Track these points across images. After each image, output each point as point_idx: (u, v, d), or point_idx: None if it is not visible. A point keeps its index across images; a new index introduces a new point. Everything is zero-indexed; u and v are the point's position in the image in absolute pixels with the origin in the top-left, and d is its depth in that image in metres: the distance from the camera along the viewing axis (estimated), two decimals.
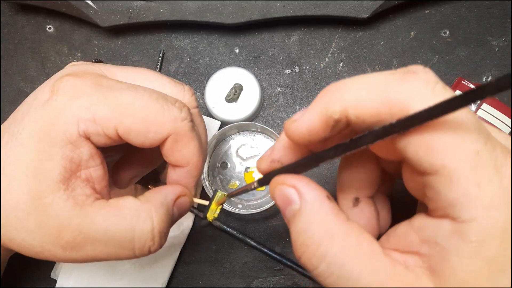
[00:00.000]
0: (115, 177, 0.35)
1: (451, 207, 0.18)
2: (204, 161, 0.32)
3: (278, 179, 0.23)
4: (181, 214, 0.31)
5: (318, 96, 0.21)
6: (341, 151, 0.20)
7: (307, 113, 0.21)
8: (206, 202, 0.33)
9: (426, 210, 0.21)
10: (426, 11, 0.49)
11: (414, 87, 0.18)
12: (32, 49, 0.50)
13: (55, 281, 0.44)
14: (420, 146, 0.18)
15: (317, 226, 0.20)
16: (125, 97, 0.28)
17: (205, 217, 0.33)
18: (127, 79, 0.31)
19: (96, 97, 0.27)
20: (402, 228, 0.21)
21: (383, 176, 0.26)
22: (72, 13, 0.47)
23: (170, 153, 0.30)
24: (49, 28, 0.50)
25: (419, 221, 0.20)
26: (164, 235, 0.28)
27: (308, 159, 0.22)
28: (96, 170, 0.29)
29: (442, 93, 0.18)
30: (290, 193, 0.22)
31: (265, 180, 0.26)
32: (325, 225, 0.20)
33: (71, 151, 0.27)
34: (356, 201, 0.26)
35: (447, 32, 0.48)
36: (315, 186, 0.22)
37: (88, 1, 0.45)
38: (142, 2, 0.45)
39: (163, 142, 0.29)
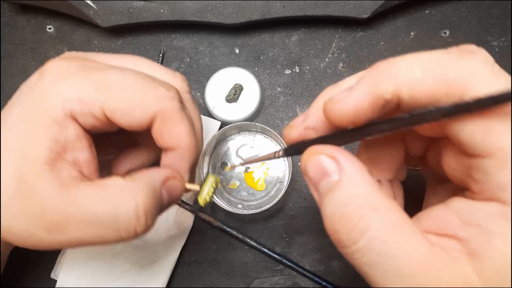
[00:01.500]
0: (113, 171, 0.35)
1: (501, 190, 0.17)
2: (198, 147, 0.31)
3: (314, 149, 0.21)
4: (172, 199, 0.29)
5: (367, 73, 0.20)
6: (397, 125, 0.19)
7: (354, 93, 0.20)
8: (198, 187, 0.32)
9: (463, 193, 0.20)
10: (426, 11, 0.49)
11: (473, 67, 0.18)
12: (32, 49, 0.50)
13: (55, 281, 0.44)
14: (477, 128, 0.17)
15: (360, 198, 0.19)
16: (111, 76, 0.28)
17: (196, 201, 0.31)
18: (117, 64, 0.31)
19: (82, 77, 0.27)
20: (438, 210, 0.21)
21: (404, 160, 0.26)
22: (72, 13, 0.47)
23: (159, 135, 0.29)
24: (49, 29, 0.50)
25: (459, 203, 0.19)
26: (151, 215, 0.27)
27: (354, 131, 0.20)
28: (83, 153, 0.28)
29: (501, 74, 0.18)
30: (328, 163, 0.20)
31: (297, 149, 0.23)
32: (368, 198, 0.19)
33: (57, 132, 0.27)
34: (378, 183, 0.24)
35: (447, 32, 0.48)
36: (355, 159, 0.21)
37: (88, 2, 0.45)
38: (142, 2, 0.45)
39: (152, 123, 0.28)
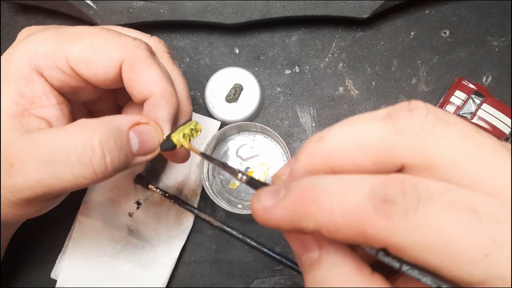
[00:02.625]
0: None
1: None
2: (175, 96, 0.29)
3: None
4: (146, 146, 0.28)
5: (293, 196, 0.18)
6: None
7: (278, 210, 0.18)
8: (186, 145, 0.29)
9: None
10: (426, 11, 0.49)
11: (391, 223, 0.16)
12: None
13: (55, 281, 0.44)
14: None
15: (338, 280, 0.18)
16: (76, 29, 0.28)
17: (169, 137, 0.29)
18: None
19: (48, 33, 0.28)
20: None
21: None
22: (72, 13, 0.47)
23: (130, 85, 0.28)
24: None
25: None
26: (109, 150, 0.25)
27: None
28: (51, 110, 0.28)
29: (424, 217, 0.16)
30: (308, 240, 0.20)
31: (260, 186, 0.22)
32: (347, 279, 0.18)
33: (24, 86, 0.27)
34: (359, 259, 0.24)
35: (447, 32, 0.48)
36: None
37: (88, 2, 0.45)
38: (142, 2, 0.45)
39: (120, 73, 0.28)
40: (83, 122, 0.26)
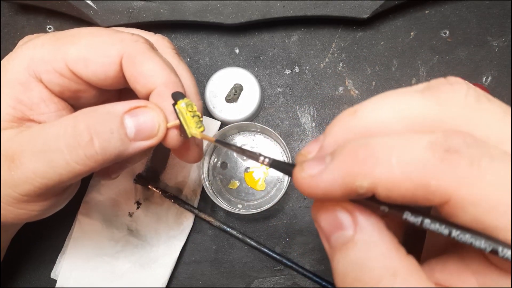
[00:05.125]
0: (100, 172, 0.34)
1: None
2: (180, 85, 0.28)
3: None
4: (143, 128, 0.26)
5: (343, 156, 0.17)
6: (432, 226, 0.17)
7: (327, 173, 0.17)
8: (177, 122, 0.27)
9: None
10: (426, 11, 0.49)
11: (457, 173, 0.15)
12: None
13: (55, 281, 0.44)
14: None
15: (376, 260, 0.17)
16: (72, 31, 0.28)
17: (186, 137, 0.27)
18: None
19: (46, 38, 0.28)
20: (454, 266, 0.19)
21: None
22: (72, 13, 0.47)
23: (133, 78, 0.27)
24: (49, 28, 0.50)
25: (479, 265, 0.18)
26: (96, 133, 0.25)
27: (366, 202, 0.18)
28: (50, 117, 0.28)
29: (489, 171, 0.15)
30: (343, 216, 0.18)
31: (287, 168, 0.21)
32: (386, 260, 0.17)
33: (21, 93, 0.27)
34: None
35: (447, 32, 0.48)
36: (371, 213, 0.18)
37: (88, 1, 0.45)
38: (142, 2, 0.45)
39: (120, 70, 0.27)
40: (78, 111, 0.26)
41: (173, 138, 0.28)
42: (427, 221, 0.17)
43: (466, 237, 0.16)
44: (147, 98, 0.28)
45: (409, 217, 0.17)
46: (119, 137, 0.26)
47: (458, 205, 0.15)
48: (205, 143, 0.45)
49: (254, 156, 0.23)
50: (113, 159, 0.26)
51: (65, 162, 0.25)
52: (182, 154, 0.31)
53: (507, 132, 0.16)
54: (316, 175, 0.18)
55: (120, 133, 0.26)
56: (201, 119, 0.28)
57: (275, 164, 0.22)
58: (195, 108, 0.27)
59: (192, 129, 0.27)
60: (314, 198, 0.19)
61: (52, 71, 0.27)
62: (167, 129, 0.27)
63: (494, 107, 0.17)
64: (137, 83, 0.27)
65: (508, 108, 0.17)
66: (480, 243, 0.16)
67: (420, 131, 0.17)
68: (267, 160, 0.22)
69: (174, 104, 0.27)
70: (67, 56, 0.27)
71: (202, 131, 0.28)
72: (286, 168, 0.20)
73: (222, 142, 0.27)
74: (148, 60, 0.27)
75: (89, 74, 0.27)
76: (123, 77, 0.28)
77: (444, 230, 0.16)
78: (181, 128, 0.27)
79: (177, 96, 0.27)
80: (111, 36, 0.27)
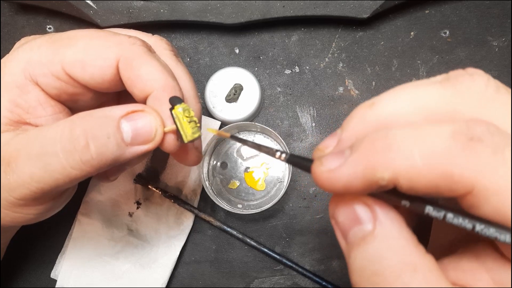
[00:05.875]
0: (98, 175, 0.33)
1: None
2: (178, 89, 0.27)
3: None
4: (140, 133, 0.26)
5: (363, 148, 0.17)
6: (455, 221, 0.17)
7: (347, 167, 0.17)
8: (174, 127, 0.27)
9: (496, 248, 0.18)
10: (426, 11, 0.49)
11: (481, 162, 0.15)
12: None
13: (55, 281, 0.44)
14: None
15: (396, 255, 0.17)
16: (69, 33, 0.28)
17: (182, 141, 0.27)
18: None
19: (42, 40, 0.28)
20: (468, 263, 0.18)
21: None
22: (72, 13, 0.47)
23: (130, 82, 0.27)
24: (49, 28, 0.50)
25: (493, 262, 0.17)
26: (93, 138, 0.24)
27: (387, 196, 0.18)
28: (47, 120, 0.28)
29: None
30: (362, 211, 0.18)
31: (304, 163, 0.20)
32: (406, 255, 0.17)
33: (18, 96, 0.27)
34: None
35: (447, 32, 0.48)
36: (391, 209, 0.18)
37: (88, 1, 0.45)
38: (142, 2, 0.45)
39: (117, 73, 0.27)
40: (75, 115, 0.26)
41: (170, 143, 0.28)
42: (449, 216, 0.16)
43: (491, 231, 0.15)
44: (144, 101, 0.28)
45: (431, 211, 0.17)
46: (115, 142, 0.25)
47: (480, 195, 0.15)
48: (204, 143, 0.45)
49: (270, 151, 0.22)
50: (110, 164, 0.26)
51: (61, 167, 0.25)
52: (181, 158, 0.31)
53: None
54: (335, 169, 0.17)
55: (117, 137, 0.25)
56: (198, 124, 0.27)
57: (292, 159, 0.21)
58: (192, 113, 0.27)
59: (188, 135, 0.27)
60: (335, 192, 0.18)
61: (49, 74, 0.27)
62: (164, 133, 0.27)
63: None
64: (134, 86, 0.27)
65: None
66: (506, 238, 0.15)
67: (440, 121, 0.16)
68: (284, 155, 0.21)
69: (171, 109, 0.27)
70: (64, 59, 0.27)
71: (198, 137, 0.27)
72: (304, 163, 0.20)
73: (237, 138, 0.26)
74: (146, 63, 0.27)
75: (86, 77, 0.27)
76: (120, 80, 0.28)
77: (467, 224, 0.16)
78: (178, 133, 0.27)
79: (174, 101, 0.27)
80: (108, 39, 0.27)
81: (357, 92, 0.48)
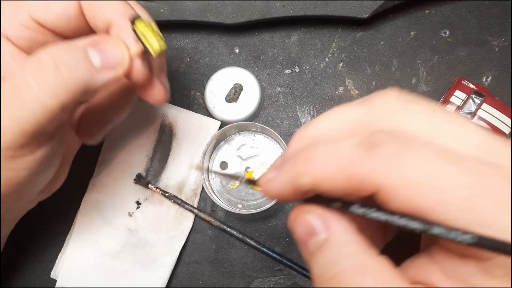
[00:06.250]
0: (81, 132, 0.34)
1: (471, 248, 0.17)
2: (137, 14, 0.29)
3: (300, 208, 0.21)
4: (108, 57, 0.27)
5: (291, 162, 0.20)
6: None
7: (278, 178, 0.20)
8: (141, 45, 0.28)
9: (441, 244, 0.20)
10: (426, 11, 0.49)
11: (382, 163, 0.17)
12: None
13: (55, 281, 0.44)
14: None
15: (348, 259, 0.18)
16: None
17: (155, 52, 0.28)
18: None
19: None
20: (421, 261, 0.20)
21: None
22: None
23: (92, 13, 0.29)
24: None
25: (442, 256, 0.19)
26: (62, 62, 0.25)
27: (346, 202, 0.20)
28: None
29: (409, 158, 0.17)
30: (316, 222, 0.20)
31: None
32: (358, 258, 0.18)
33: None
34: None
35: (447, 32, 0.48)
36: (343, 218, 0.20)
37: None
38: (142, 2, 0.45)
39: (81, 9, 0.29)
40: (40, 48, 0.26)
41: (138, 69, 0.29)
42: (368, 211, 0.19)
43: (402, 220, 0.18)
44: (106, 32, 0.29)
45: (355, 209, 0.19)
46: (85, 66, 0.26)
47: (387, 192, 0.17)
48: (204, 142, 0.45)
49: (235, 177, 0.28)
50: (83, 90, 0.26)
51: (37, 98, 0.25)
52: (147, 92, 0.32)
53: (431, 126, 0.18)
54: (271, 179, 0.21)
55: (86, 62, 0.26)
56: (162, 38, 0.28)
57: (250, 181, 0.25)
58: (155, 27, 0.28)
59: (155, 47, 0.28)
60: (273, 198, 0.21)
61: (17, 25, 0.28)
62: (131, 59, 0.28)
63: (421, 107, 0.19)
64: (96, 17, 0.28)
65: (436, 106, 0.19)
66: (414, 224, 0.17)
67: (355, 134, 0.19)
68: (244, 179, 0.26)
69: (133, 26, 0.28)
70: (29, 7, 0.28)
71: (164, 49, 0.28)
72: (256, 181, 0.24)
73: (210, 170, 0.31)
74: None
75: (52, 18, 0.28)
76: (84, 20, 0.29)
77: (382, 216, 0.18)
78: (145, 50, 0.28)
79: (134, 18, 0.28)
80: None
81: (357, 92, 0.48)
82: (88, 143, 0.35)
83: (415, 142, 0.17)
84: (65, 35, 0.30)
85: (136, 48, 0.28)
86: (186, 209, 0.45)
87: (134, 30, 0.28)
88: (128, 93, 0.34)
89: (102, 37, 0.28)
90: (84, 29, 0.30)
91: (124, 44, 0.28)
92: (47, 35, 0.29)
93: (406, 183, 0.17)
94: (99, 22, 0.29)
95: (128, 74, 0.29)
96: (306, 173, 0.19)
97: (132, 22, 0.28)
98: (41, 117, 0.26)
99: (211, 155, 0.47)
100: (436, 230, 0.17)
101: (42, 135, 0.28)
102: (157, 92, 0.32)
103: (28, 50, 0.30)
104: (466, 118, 0.19)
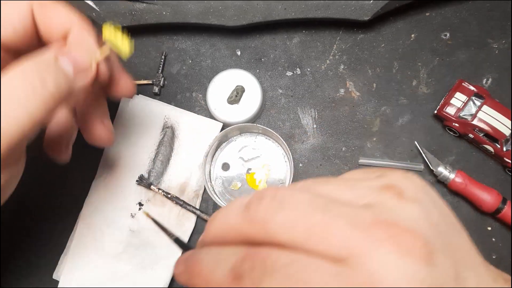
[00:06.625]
0: (91, 137, 0.36)
1: None
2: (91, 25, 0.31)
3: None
4: (78, 61, 0.29)
5: (186, 264, 0.22)
6: None
7: (180, 276, 0.22)
8: (108, 48, 0.31)
9: None
10: (427, 14, 0.49)
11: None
12: None
13: (57, 282, 0.45)
14: None
15: None
16: None
17: (125, 56, 0.31)
18: None
19: None
20: None
21: None
22: None
23: (46, 21, 0.30)
24: None
25: None
26: (46, 78, 0.27)
27: None
28: None
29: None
30: None
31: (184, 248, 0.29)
32: None
33: None
34: None
35: (448, 35, 0.48)
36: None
37: (91, 4, 0.45)
38: (144, 4, 0.45)
39: (33, 18, 0.29)
40: (15, 66, 0.27)
41: (104, 69, 0.31)
42: None
43: None
44: (62, 40, 0.30)
45: None
46: (63, 75, 0.28)
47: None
48: (206, 144, 0.45)
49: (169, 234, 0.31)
50: (65, 98, 0.28)
51: (27, 112, 0.26)
52: (116, 87, 0.35)
53: (298, 234, 0.18)
54: (177, 275, 0.22)
55: (62, 70, 0.28)
56: (129, 40, 0.31)
57: (176, 241, 0.29)
58: (120, 32, 0.30)
59: (126, 49, 0.31)
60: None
61: None
62: (98, 62, 0.30)
63: (288, 213, 0.18)
64: (51, 25, 0.29)
65: (308, 209, 0.18)
66: None
67: (240, 241, 0.20)
68: (174, 237, 0.30)
69: (102, 33, 0.30)
70: None
71: (133, 51, 0.31)
72: (183, 248, 0.29)
73: (156, 222, 0.34)
74: (56, 4, 0.30)
75: (8, 31, 0.29)
76: (36, 33, 0.30)
77: None
78: (113, 53, 0.31)
79: (101, 24, 0.30)
80: None
81: (358, 94, 0.48)
82: (59, 160, 0.37)
83: (276, 268, 0.17)
84: (14, 49, 0.31)
85: (101, 51, 0.30)
86: (188, 210, 0.45)
87: (103, 36, 0.30)
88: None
89: (68, 45, 0.29)
90: (33, 42, 0.31)
91: (89, 48, 0.30)
92: (5, 51, 0.30)
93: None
94: (54, 31, 0.30)
95: (96, 76, 0.31)
96: (193, 283, 0.20)
97: (99, 28, 0.30)
98: (27, 129, 0.27)
99: (213, 157, 0.47)
100: None
101: (21, 150, 0.30)
102: (124, 83, 0.35)
103: None
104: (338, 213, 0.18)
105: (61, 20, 0.30)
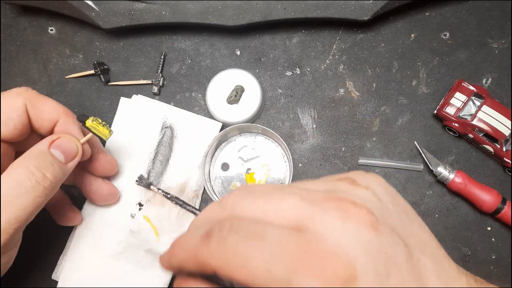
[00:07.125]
0: (95, 196, 0.42)
1: None
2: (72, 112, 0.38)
3: (179, 281, 0.24)
4: (68, 152, 0.35)
5: (171, 245, 0.24)
6: None
7: (162, 258, 0.24)
8: (91, 134, 0.38)
9: None
10: (427, 14, 0.49)
11: (210, 249, 0.20)
12: (34, 50, 0.50)
13: (56, 282, 0.44)
14: None
15: None
16: None
17: (106, 137, 0.38)
18: None
19: None
20: None
21: None
22: (74, 15, 0.47)
23: (38, 115, 0.35)
24: (51, 30, 0.50)
25: None
26: (45, 168, 0.33)
27: None
28: None
29: (230, 244, 0.19)
30: None
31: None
32: None
33: None
34: None
35: (447, 34, 0.48)
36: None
37: (90, 3, 0.45)
38: (143, 4, 0.45)
39: (28, 114, 0.35)
40: (14, 164, 0.33)
41: (87, 150, 0.38)
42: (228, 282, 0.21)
43: None
44: (51, 130, 0.37)
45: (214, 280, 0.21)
46: (57, 164, 0.34)
47: (219, 271, 0.19)
48: (206, 144, 0.45)
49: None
50: (60, 181, 0.35)
51: (32, 199, 0.32)
52: (95, 165, 0.41)
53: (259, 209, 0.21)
54: (162, 262, 0.24)
55: (56, 162, 0.34)
56: (106, 124, 0.38)
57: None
58: (99, 120, 0.37)
59: (107, 134, 0.38)
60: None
61: None
62: (83, 145, 0.37)
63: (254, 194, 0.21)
64: (42, 119, 0.36)
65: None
66: None
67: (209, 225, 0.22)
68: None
69: (84, 124, 0.37)
70: None
71: (112, 133, 0.38)
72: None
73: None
74: (45, 99, 0.36)
75: (10, 128, 0.34)
76: (28, 125, 0.36)
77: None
78: (95, 138, 0.39)
79: (83, 117, 0.37)
80: (12, 92, 0.35)
81: (357, 93, 0.48)
82: (75, 223, 0.44)
83: (239, 228, 0.20)
84: (18, 139, 0.36)
85: (85, 138, 0.37)
86: (188, 210, 0.45)
87: (86, 126, 0.37)
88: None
89: (54, 136, 0.35)
90: (27, 132, 0.37)
91: (75, 137, 0.37)
92: (6, 146, 0.35)
93: (228, 264, 0.19)
94: (45, 122, 0.36)
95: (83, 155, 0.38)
96: (174, 257, 0.22)
97: (81, 120, 0.37)
98: (31, 213, 0.33)
99: (212, 157, 0.47)
100: None
101: (20, 235, 0.35)
102: (104, 161, 0.42)
103: None
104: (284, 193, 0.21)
105: (50, 112, 0.36)
